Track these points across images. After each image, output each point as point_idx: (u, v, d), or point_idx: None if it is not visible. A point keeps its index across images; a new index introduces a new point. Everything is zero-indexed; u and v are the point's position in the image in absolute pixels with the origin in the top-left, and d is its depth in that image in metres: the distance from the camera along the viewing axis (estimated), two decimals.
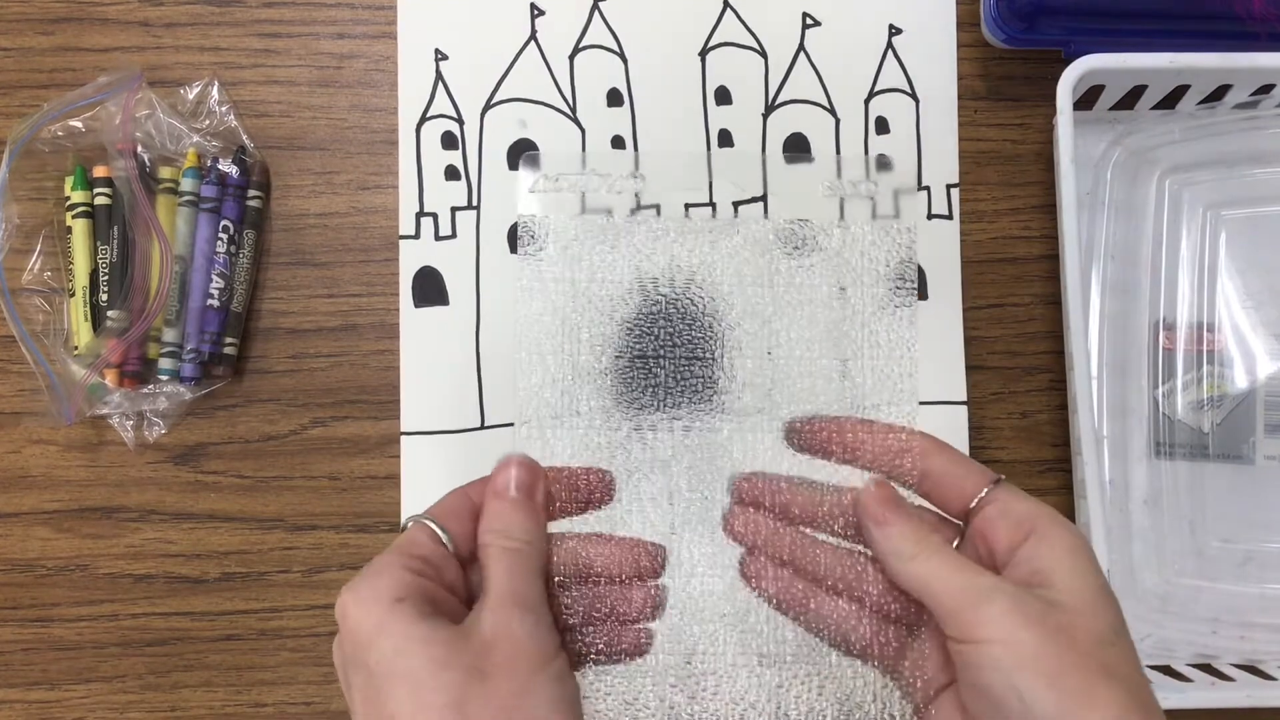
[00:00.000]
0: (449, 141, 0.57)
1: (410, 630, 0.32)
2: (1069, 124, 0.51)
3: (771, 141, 0.57)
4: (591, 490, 0.39)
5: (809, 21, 0.57)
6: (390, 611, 0.32)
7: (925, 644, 0.37)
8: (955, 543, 0.38)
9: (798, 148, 0.57)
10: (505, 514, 0.36)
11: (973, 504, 0.37)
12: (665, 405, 0.41)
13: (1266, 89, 0.54)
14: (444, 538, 0.35)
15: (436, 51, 0.57)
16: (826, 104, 0.57)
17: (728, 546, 0.40)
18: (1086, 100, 0.55)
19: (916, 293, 0.43)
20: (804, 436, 0.39)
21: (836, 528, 0.38)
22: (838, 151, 0.57)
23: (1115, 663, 0.32)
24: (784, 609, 0.38)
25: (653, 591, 0.38)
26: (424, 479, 0.55)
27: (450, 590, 0.35)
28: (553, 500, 0.38)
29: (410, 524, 0.36)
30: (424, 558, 0.34)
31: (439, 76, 0.57)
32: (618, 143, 0.57)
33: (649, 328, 0.42)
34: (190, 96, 0.56)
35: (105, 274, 0.55)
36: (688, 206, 0.57)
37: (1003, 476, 0.37)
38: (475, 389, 0.56)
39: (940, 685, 0.36)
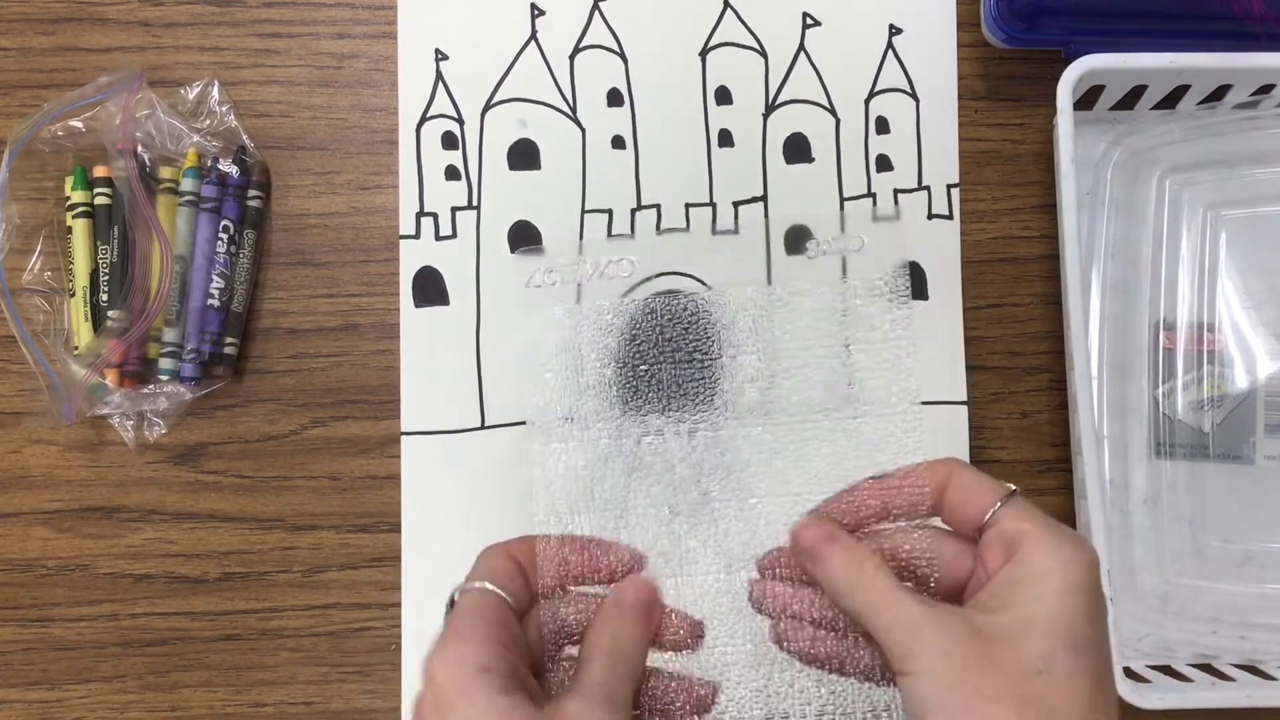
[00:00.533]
0: (449, 141, 0.57)
1: (493, 701, 0.32)
2: (1069, 124, 0.51)
3: (771, 141, 0.57)
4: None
5: (809, 21, 0.57)
6: (475, 680, 0.33)
7: None
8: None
9: (798, 148, 0.57)
10: (622, 623, 0.37)
11: (985, 520, 0.36)
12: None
13: (1266, 89, 0.54)
14: (510, 602, 0.36)
15: (436, 51, 0.57)
16: (827, 104, 0.57)
17: (749, 617, 0.40)
18: (1086, 100, 0.55)
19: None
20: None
21: None
22: (837, 152, 0.57)
23: (1040, 693, 0.31)
24: (817, 664, 0.38)
25: (704, 688, 0.38)
26: (424, 479, 0.55)
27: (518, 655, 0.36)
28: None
29: (470, 588, 0.36)
30: (505, 627, 0.35)
31: (439, 76, 0.57)
32: (618, 143, 0.57)
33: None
34: (190, 96, 0.56)
35: (105, 274, 0.55)
36: (688, 206, 0.57)
37: (1014, 489, 0.36)
38: (475, 389, 0.56)
39: None
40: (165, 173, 0.56)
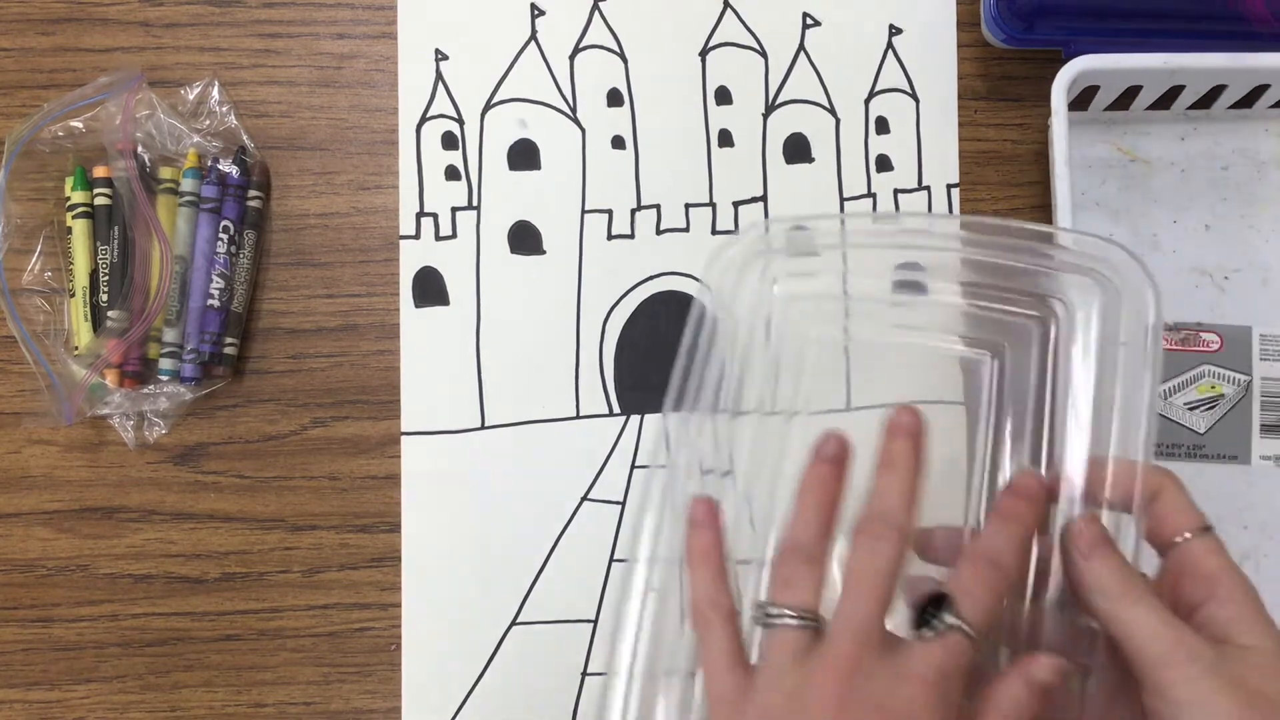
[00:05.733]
0: (449, 141, 0.57)
1: None
2: (1063, 125, 0.51)
3: (771, 141, 0.57)
4: None
5: (809, 21, 0.57)
6: None
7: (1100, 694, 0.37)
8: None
9: (798, 148, 0.57)
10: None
11: (1175, 541, 0.37)
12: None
13: (1262, 89, 0.54)
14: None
15: (436, 51, 0.57)
16: (827, 104, 0.57)
17: None
18: (1082, 100, 0.55)
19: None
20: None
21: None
22: (837, 152, 0.57)
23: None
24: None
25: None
26: (424, 479, 0.55)
27: None
28: None
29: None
30: None
31: (439, 76, 0.57)
32: (618, 143, 0.57)
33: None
34: (190, 96, 0.56)
35: (105, 274, 0.55)
36: (688, 206, 0.57)
37: (1210, 525, 0.37)
38: (475, 389, 0.56)
39: None
40: (165, 173, 0.56)
